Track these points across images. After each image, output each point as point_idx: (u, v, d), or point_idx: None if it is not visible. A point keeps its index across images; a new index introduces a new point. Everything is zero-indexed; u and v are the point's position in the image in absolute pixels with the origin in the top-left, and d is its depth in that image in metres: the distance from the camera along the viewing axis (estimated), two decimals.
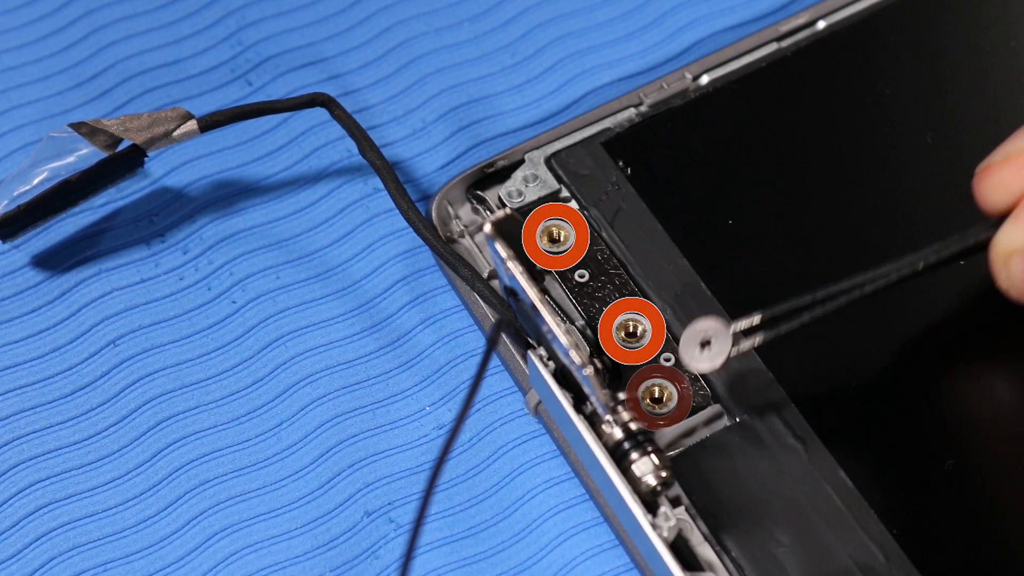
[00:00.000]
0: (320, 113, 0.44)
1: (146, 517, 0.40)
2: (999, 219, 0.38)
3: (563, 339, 0.36)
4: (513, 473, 0.40)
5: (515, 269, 0.36)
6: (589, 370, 0.35)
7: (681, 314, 0.41)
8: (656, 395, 0.40)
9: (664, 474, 0.37)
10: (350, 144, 0.45)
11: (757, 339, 0.38)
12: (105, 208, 0.44)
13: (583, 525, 0.40)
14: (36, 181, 0.42)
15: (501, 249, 0.35)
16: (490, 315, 0.41)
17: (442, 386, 0.42)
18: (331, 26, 0.47)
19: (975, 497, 0.38)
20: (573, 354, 0.35)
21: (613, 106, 0.44)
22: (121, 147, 0.42)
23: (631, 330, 0.40)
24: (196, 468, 0.41)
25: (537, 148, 0.43)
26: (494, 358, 0.41)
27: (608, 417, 0.37)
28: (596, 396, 0.36)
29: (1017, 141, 0.38)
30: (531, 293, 0.36)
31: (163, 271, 0.43)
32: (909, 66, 0.45)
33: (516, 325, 0.39)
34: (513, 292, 0.37)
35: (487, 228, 0.35)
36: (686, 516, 0.38)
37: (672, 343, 0.40)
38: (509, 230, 0.35)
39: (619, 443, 0.37)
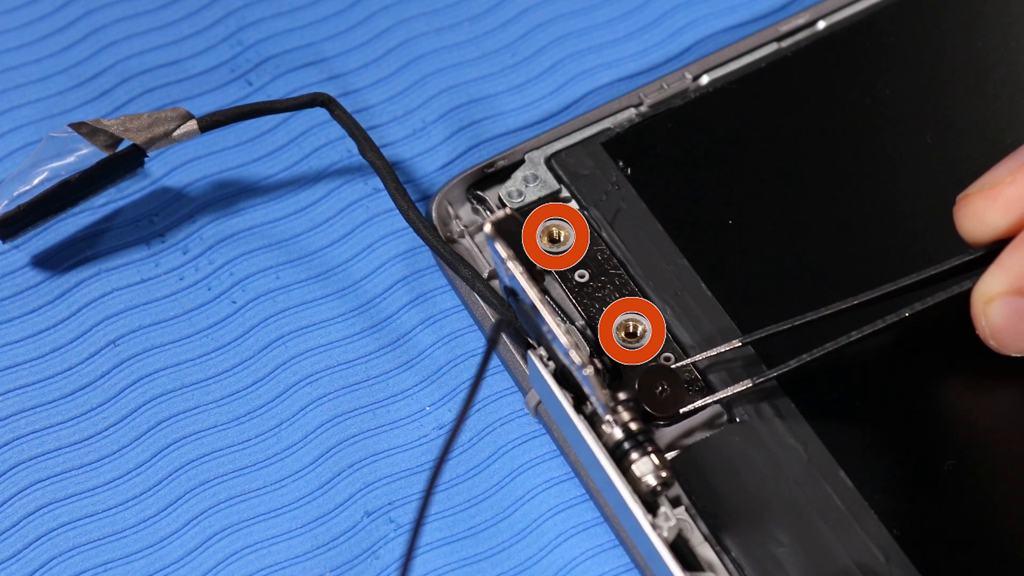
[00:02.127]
0: (320, 113, 0.44)
1: (146, 517, 0.40)
2: (981, 269, 0.38)
3: (563, 339, 0.36)
4: (513, 473, 0.40)
5: (515, 269, 0.36)
6: (589, 370, 0.35)
7: (681, 314, 0.41)
8: (631, 330, 0.40)
9: (664, 474, 0.37)
10: (350, 144, 0.45)
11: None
12: (105, 208, 0.44)
13: (583, 525, 0.40)
14: (36, 181, 0.42)
15: (501, 249, 0.35)
16: (490, 315, 0.41)
17: (442, 386, 0.42)
18: (331, 26, 0.47)
19: (975, 497, 0.38)
20: (573, 354, 0.35)
21: (613, 106, 0.44)
22: (121, 147, 0.42)
23: (631, 330, 0.40)
24: (196, 468, 0.41)
25: (537, 148, 0.43)
26: (494, 358, 0.41)
27: (608, 417, 0.37)
28: (596, 396, 0.36)
29: (993, 172, 0.38)
30: (531, 293, 0.36)
31: (163, 271, 0.43)
32: (909, 66, 0.45)
33: (516, 325, 0.39)
34: (513, 292, 0.37)
35: (487, 228, 0.35)
36: (686, 516, 0.38)
37: (672, 343, 0.40)
38: (509, 230, 0.35)
39: (619, 443, 0.37)
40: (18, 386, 0.42)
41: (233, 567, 0.39)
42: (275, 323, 0.43)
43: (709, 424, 0.39)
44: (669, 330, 0.40)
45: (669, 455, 0.39)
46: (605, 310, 0.40)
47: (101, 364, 0.42)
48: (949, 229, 0.42)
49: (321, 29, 0.47)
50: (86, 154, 0.42)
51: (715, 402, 0.39)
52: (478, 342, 0.42)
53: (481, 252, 0.42)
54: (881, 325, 0.38)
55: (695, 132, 0.44)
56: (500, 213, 0.35)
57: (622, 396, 0.38)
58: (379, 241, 0.44)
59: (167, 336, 0.42)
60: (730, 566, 0.37)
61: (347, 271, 0.43)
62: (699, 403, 0.39)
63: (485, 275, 0.42)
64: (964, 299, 0.38)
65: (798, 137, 0.43)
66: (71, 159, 0.42)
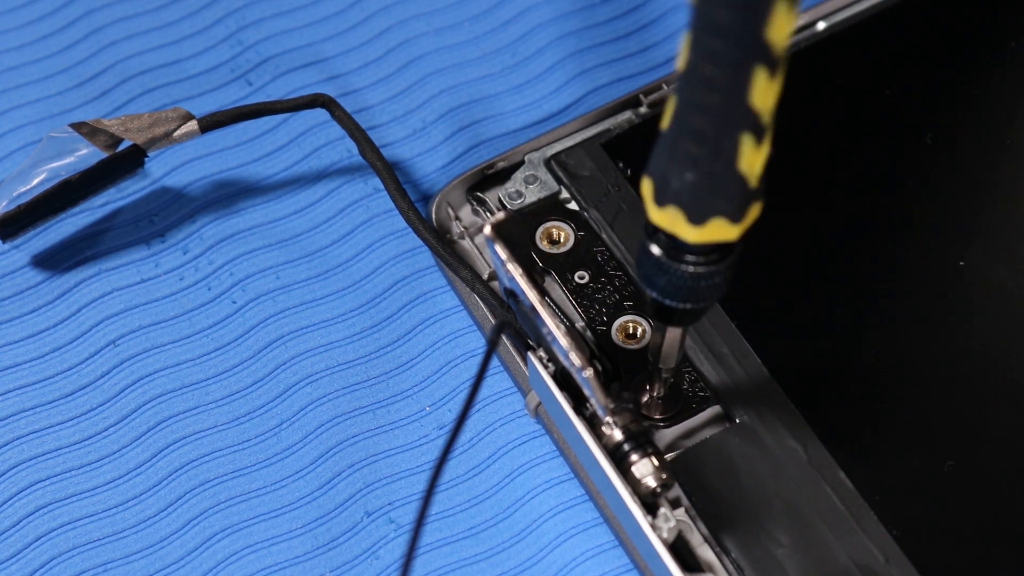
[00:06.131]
0: (320, 113, 0.44)
1: (146, 517, 0.40)
2: None
3: (563, 341, 0.36)
4: (513, 473, 0.40)
5: (514, 271, 0.36)
6: (589, 372, 0.35)
7: None
8: (631, 331, 0.40)
9: (664, 476, 0.37)
10: (350, 144, 0.45)
11: None
12: (105, 208, 0.44)
13: (583, 525, 0.40)
14: (36, 181, 0.42)
15: (501, 251, 0.35)
16: (490, 316, 0.41)
17: (442, 386, 0.42)
18: (331, 26, 0.47)
19: (975, 497, 0.38)
20: (573, 356, 0.35)
21: (613, 107, 0.44)
22: (121, 147, 0.42)
23: (631, 331, 0.40)
24: (196, 468, 0.41)
25: (537, 150, 0.43)
26: (494, 359, 0.41)
27: (608, 419, 0.37)
28: (595, 399, 0.36)
29: None
30: (531, 295, 0.36)
31: (163, 271, 0.43)
32: (909, 66, 0.44)
33: (516, 326, 0.39)
34: (513, 294, 0.37)
35: (487, 230, 0.35)
36: (686, 517, 0.38)
37: None
38: (509, 232, 0.35)
39: (619, 445, 0.37)
40: (18, 386, 0.42)
41: (233, 567, 0.39)
42: (275, 323, 0.43)
43: (709, 425, 0.39)
44: None
45: (669, 456, 0.39)
46: (605, 311, 0.40)
47: (101, 364, 0.42)
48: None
49: (321, 29, 0.47)
50: (86, 154, 0.42)
51: (715, 403, 0.39)
52: (478, 343, 0.42)
53: (481, 253, 0.42)
54: None
55: None
56: (500, 215, 0.35)
57: (621, 398, 0.38)
58: (379, 241, 0.44)
59: (167, 336, 0.42)
60: (730, 567, 0.37)
61: (347, 271, 0.43)
62: (699, 404, 0.39)
63: (485, 276, 0.42)
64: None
65: (797, 138, 0.43)
66: (71, 159, 0.42)
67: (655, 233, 0.33)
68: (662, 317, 0.35)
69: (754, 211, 0.32)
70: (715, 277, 0.33)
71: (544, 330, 0.36)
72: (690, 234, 0.32)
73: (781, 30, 0.29)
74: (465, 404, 0.35)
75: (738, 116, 0.30)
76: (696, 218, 0.32)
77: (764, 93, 0.30)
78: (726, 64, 0.29)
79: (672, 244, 0.33)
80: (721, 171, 0.31)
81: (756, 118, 0.30)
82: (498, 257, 0.36)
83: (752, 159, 0.31)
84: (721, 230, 0.32)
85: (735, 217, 0.32)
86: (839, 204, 0.42)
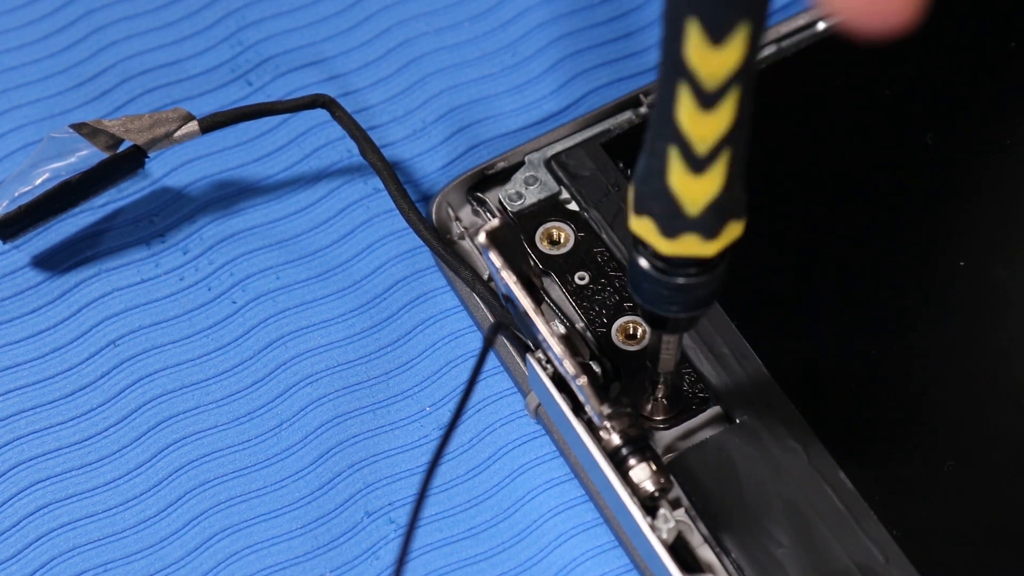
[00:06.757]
0: (320, 113, 0.44)
1: (146, 517, 0.40)
2: None
3: (557, 349, 0.35)
4: (513, 474, 0.40)
5: (509, 279, 0.35)
6: (583, 380, 0.35)
7: None
8: (630, 332, 0.40)
9: (661, 480, 0.37)
10: (350, 144, 0.45)
11: None
12: (105, 208, 0.44)
13: (583, 526, 0.40)
14: (37, 182, 0.42)
15: (495, 258, 0.35)
16: (490, 316, 0.41)
17: (442, 387, 0.42)
18: (331, 26, 0.47)
19: (975, 498, 0.38)
20: (567, 364, 0.35)
21: (613, 107, 0.44)
22: (122, 148, 0.42)
23: (631, 332, 0.40)
24: (196, 468, 0.41)
25: (537, 150, 0.43)
26: (495, 359, 0.41)
27: (605, 424, 0.37)
28: (591, 406, 0.36)
29: None
30: (525, 303, 0.36)
31: (163, 271, 0.43)
32: (909, 66, 0.44)
33: (514, 328, 0.39)
34: (510, 299, 0.37)
35: (481, 238, 0.35)
36: (686, 518, 0.38)
37: None
38: (504, 238, 0.35)
39: (616, 449, 0.37)
40: (18, 386, 0.42)
41: (233, 567, 0.39)
42: (275, 323, 0.43)
43: (709, 425, 0.39)
44: None
45: (668, 457, 0.39)
46: (605, 312, 0.40)
47: (101, 364, 0.42)
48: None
49: (321, 29, 0.47)
50: (87, 155, 0.42)
51: (715, 404, 0.39)
52: (478, 343, 0.42)
53: (481, 254, 0.42)
54: None
55: None
56: (494, 222, 0.35)
57: (619, 402, 0.37)
58: (379, 241, 0.44)
59: (167, 336, 0.42)
60: (730, 567, 0.37)
61: (347, 271, 0.43)
62: (699, 405, 0.39)
63: (485, 276, 0.42)
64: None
65: (797, 139, 0.43)
66: (72, 160, 0.42)
67: (640, 242, 0.33)
68: (654, 324, 0.35)
69: (732, 230, 0.32)
70: (698, 289, 0.33)
71: (539, 337, 0.36)
72: (664, 246, 0.32)
73: (700, 58, 0.28)
74: (458, 406, 0.34)
75: (665, 131, 0.30)
76: (668, 231, 0.32)
77: (692, 118, 0.29)
78: (659, 72, 0.29)
79: (654, 253, 0.32)
80: (658, 186, 0.31)
81: (684, 140, 0.30)
82: (493, 264, 0.35)
83: (685, 184, 0.30)
84: (694, 246, 0.32)
85: (708, 234, 0.31)
86: (839, 204, 0.42)
